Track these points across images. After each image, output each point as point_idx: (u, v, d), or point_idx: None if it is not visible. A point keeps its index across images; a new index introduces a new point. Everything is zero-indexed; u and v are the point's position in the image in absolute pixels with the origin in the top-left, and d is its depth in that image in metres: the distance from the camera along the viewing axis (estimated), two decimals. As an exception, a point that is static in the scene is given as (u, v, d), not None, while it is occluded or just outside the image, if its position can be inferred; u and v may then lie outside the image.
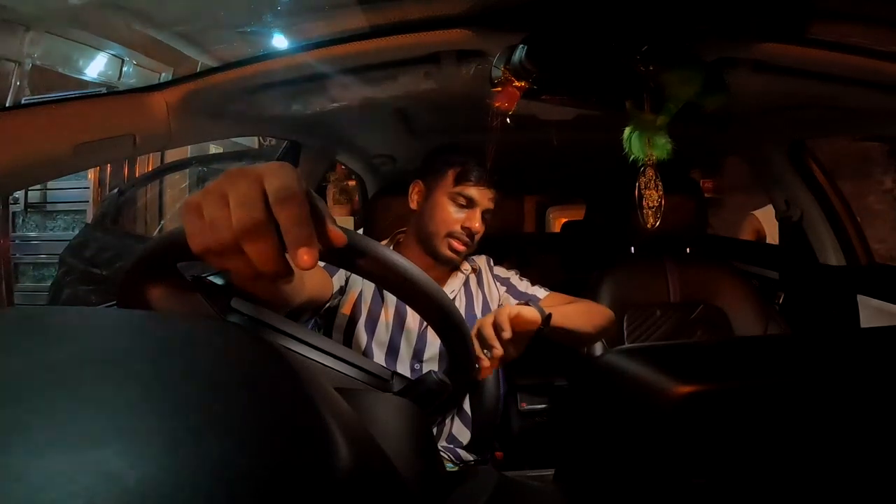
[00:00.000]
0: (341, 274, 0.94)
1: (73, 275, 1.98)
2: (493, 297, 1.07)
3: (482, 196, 0.97)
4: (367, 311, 0.95)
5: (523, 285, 1.08)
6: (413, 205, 1.02)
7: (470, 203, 0.96)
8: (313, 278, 0.84)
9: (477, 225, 0.95)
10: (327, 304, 0.93)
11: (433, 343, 0.96)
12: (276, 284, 0.55)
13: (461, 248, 0.96)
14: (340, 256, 0.40)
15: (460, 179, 0.97)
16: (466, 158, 0.99)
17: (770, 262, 1.69)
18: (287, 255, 0.32)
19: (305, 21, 0.88)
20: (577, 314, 0.95)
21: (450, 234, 0.96)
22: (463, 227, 0.95)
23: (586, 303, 1.05)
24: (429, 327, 0.95)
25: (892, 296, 1.22)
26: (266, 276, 0.32)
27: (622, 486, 0.29)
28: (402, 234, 1.09)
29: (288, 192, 0.31)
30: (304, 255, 0.30)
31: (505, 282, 1.10)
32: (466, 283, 1.05)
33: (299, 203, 0.31)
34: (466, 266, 1.06)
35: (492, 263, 1.13)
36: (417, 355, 0.96)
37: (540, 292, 1.06)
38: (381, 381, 0.55)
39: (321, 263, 0.89)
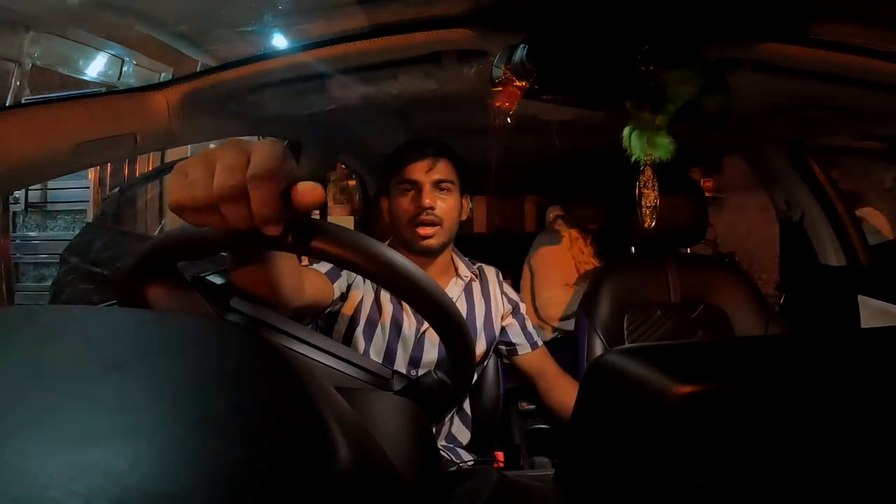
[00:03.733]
0: (343, 280, 0.93)
1: (74, 274, 1.98)
2: (498, 309, 1.06)
3: (418, 172, 0.94)
4: (365, 318, 0.95)
5: (530, 324, 1.10)
6: (386, 218, 1.02)
7: (413, 185, 0.95)
8: (314, 283, 0.84)
9: (427, 201, 0.92)
10: (328, 310, 0.93)
11: (430, 351, 0.96)
12: (274, 285, 0.55)
13: (428, 230, 0.94)
14: (340, 256, 0.40)
15: (396, 170, 0.96)
16: (398, 150, 0.98)
17: None
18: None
19: (305, 21, 0.88)
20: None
21: (410, 222, 0.94)
22: (417, 209, 0.93)
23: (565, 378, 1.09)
24: (425, 334, 0.95)
25: (892, 296, 1.21)
26: (239, 232, 0.35)
27: (622, 485, 0.29)
28: None
29: (263, 170, 0.33)
30: (270, 229, 0.34)
31: (513, 303, 1.09)
32: (468, 290, 1.04)
33: (270, 183, 0.33)
34: (466, 272, 1.05)
35: (501, 278, 1.12)
36: (414, 362, 0.95)
37: (539, 340, 1.10)
38: (382, 379, 0.55)
39: (322, 269, 0.89)
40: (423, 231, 0.94)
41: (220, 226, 0.35)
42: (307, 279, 0.79)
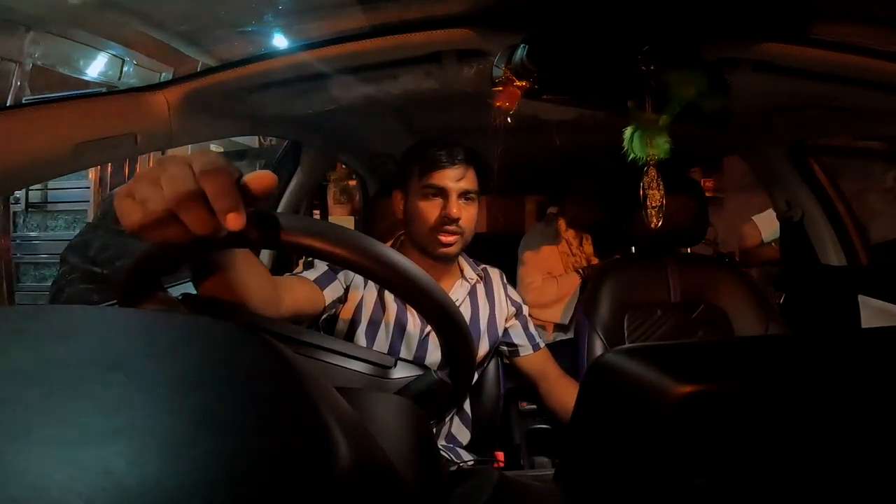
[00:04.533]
0: (338, 284, 0.92)
1: (74, 274, 1.98)
2: (502, 311, 1.06)
3: (448, 179, 0.92)
4: (367, 318, 0.94)
5: (532, 325, 1.11)
6: (399, 215, 1.00)
7: (440, 192, 0.93)
8: (299, 291, 0.82)
9: (454, 211, 0.91)
10: (325, 315, 0.92)
11: (434, 352, 0.95)
12: (241, 293, 0.56)
13: (450, 238, 0.92)
14: (337, 255, 0.40)
15: (423, 173, 0.94)
16: (425, 149, 0.95)
17: None
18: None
19: (305, 21, 0.88)
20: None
21: (433, 229, 0.92)
22: (442, 218, 0.92)
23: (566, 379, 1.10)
24: (429, 335, 0.95)
25: (892, 296, 1.21)
26: (203, 239, 0.35)
27: (622, 485, 0.29)
28: (404, 235, 1.08)
29: (212, 167, 0.34)
30: (232, 219, 0.34)
31: (517, 305, 1.09)
32: (473, 293, 1.03)
33: (223, 175, 0.34)
34: (472, 274, 1.04)
35: (505, 280, 1.12)
36: (418, 362, 0.95)
37: (541, 342, 1.10)
38: (384, 368, 0.54)
39: (311, 276, 0.89)
40: (445, 238, 0.92)
41: (182, 237, 0.35)
42: (289, 287, 0.78)
